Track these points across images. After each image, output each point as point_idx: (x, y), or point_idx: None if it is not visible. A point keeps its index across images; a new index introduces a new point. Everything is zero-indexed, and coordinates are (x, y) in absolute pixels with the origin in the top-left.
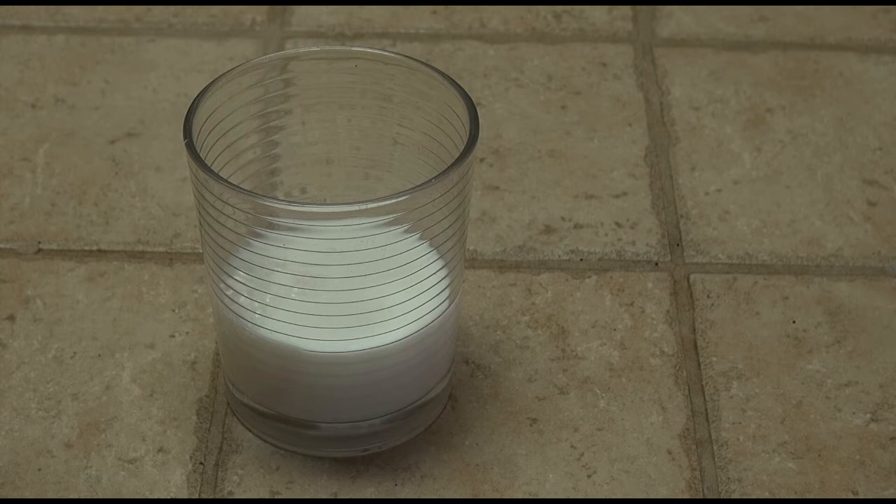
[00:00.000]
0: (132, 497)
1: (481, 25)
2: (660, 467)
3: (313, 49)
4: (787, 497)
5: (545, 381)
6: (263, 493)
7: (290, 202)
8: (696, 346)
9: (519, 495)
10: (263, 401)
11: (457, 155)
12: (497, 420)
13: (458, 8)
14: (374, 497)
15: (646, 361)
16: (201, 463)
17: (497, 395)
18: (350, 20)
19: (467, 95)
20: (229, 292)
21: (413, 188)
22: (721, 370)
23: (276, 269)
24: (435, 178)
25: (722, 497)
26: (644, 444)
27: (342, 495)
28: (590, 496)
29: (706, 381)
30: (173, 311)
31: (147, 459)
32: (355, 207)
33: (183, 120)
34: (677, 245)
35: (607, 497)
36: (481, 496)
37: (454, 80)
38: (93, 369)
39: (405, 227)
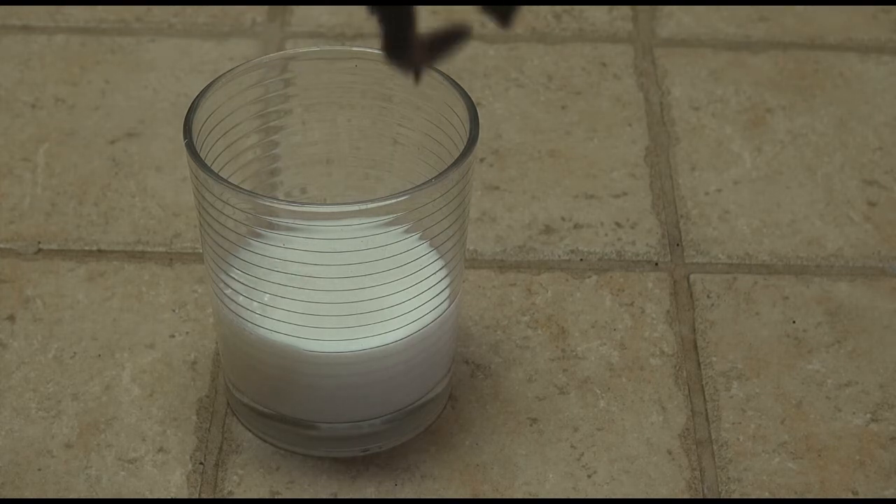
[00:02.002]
0: (132, 497)
1: (481, 25)
2: (660, 467)
3: (313, 49)
4: (787, 497)
5: (545, 381)
6: (263, 493)
7: (290, 202)
8: (696, 346)
9: (519, 495)
10: (263, 401)
11: (457, 155)
12: (497, 420)
13: (458, 8)
14: (374, 497)
15: (646, 361)
16: (201, 463)
17: (497, 395)
18: (350, 20)
19: (467, 95)
20: (229, 292)
21: (413, 188)
22: (721, 370)
23: (276, 269)
24: (435, 178)
25: (722, 497)
26: (644, 444)
27: (342, 495)
28: (590, 496)
29: (706, 381)
30: (173, 311)
31: (147, 459)
32: (355, 207)
33: (183, 120)
34: (677, 245)
35: (607, 497)
36: (481, 496)
37: (454, 80)
38: (93, 369)
39: (405, 227)
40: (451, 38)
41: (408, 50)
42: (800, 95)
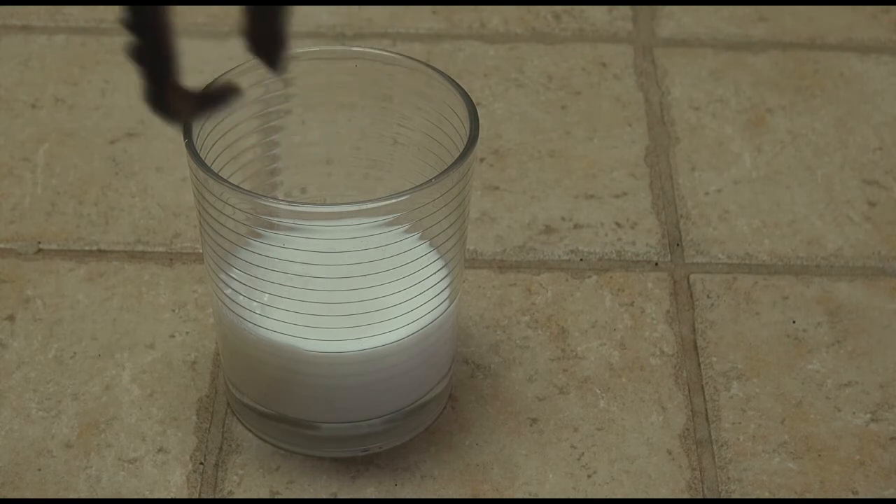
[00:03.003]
0: (132, 497)
1: (481, 25)
2: (660, 467)
3: (313, 49)
4: (787, 497)
5: (545, 381)
6: (263, 493)
7: (290, 202)
8: (696, 346)
9: (519, 495)
10: (263, 401)
11: (457, 155)
12: (497, 420)
13: (458, 8)
14: (374, 497)
15: (646, 361)
16: (201, 463)
17: (497, 395)
18: (350, 20)
19: (467, 95)
20: (229, 292)
21: (413, 188)
22: (721, 370)
23: (275, 269)
24: (435, 178)
25: (722, 497)
26: (644, 444)
27: (342, 495)
28: (590, 496)
29: (706, 381)
30: (173, 311)
31: (147, 459)
32: (355, 207)
33: None
34: (677, 245)
35: (607, 497)
36: (481, 496)
37: (454, 80)
38: (93, 369)
39: (405, 227)
40: (220, 95)
41: (166, 100)
42: (800, 95)
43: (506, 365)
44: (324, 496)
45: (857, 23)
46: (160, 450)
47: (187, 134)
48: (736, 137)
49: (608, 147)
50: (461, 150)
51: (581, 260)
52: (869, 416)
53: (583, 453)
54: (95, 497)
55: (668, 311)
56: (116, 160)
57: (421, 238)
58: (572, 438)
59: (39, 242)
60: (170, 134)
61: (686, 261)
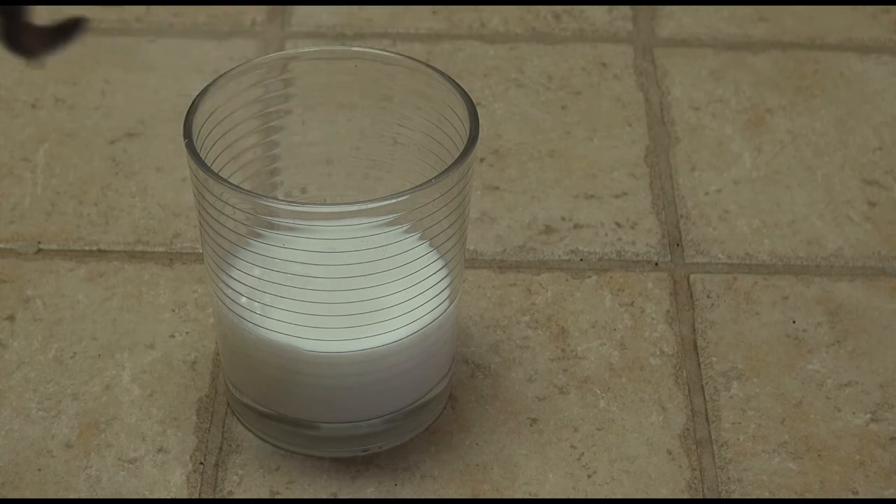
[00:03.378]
0: (132, 497)
1: (481, 25)
2: (660, 467)
3: (313, 49)
4: (787, 497)
5: (545, 381)
6: (263, 493)
7: (290, 202)
8: (696, 346)
9: (519, 495)
10: (263, 401)
11: (457, 155)
12: (497, 420)
13: (458, 8)
14: (374, 497)
15: (646, 361)
16: (201, 463)
17: (497, 395)
18: (350, 20)
19: (467, 95)
20: (229, 292)
21: (413, 188)
22: (721, 370)
23: (276, 269)
24: (435, 178)
25: (722, 497)
26: (644, 444)
27: (342, 495)
28: (590, 496)
29: (706, 381)
30: (173, 311)
31: (147, 459)
32: (355, 207)
33: (183, 120)
34: (677, 245)
35: (607, 497)
36: (481, 496)
37: (454, 80)
38: (93, 369)
39: (405, 227)
40: (67, 29)
41: (22, 39)
42: (800, 95)
43: (506, 365)
44: (324, 496)
45: (857, 23)
46: (160, 450)
47: (187, 134)
48: (736, 137)
49: (608, 147)
50: (461, 150)
51: (581, 260)
52: (869, 416)
53: (583, 453)
54: (95, 497)
55: (668, 311)
56: (116, 160)
57: (421, 238)
58: (572, 438)
59: (39, 242)
60: (170, 134)
61: (686, 261)
